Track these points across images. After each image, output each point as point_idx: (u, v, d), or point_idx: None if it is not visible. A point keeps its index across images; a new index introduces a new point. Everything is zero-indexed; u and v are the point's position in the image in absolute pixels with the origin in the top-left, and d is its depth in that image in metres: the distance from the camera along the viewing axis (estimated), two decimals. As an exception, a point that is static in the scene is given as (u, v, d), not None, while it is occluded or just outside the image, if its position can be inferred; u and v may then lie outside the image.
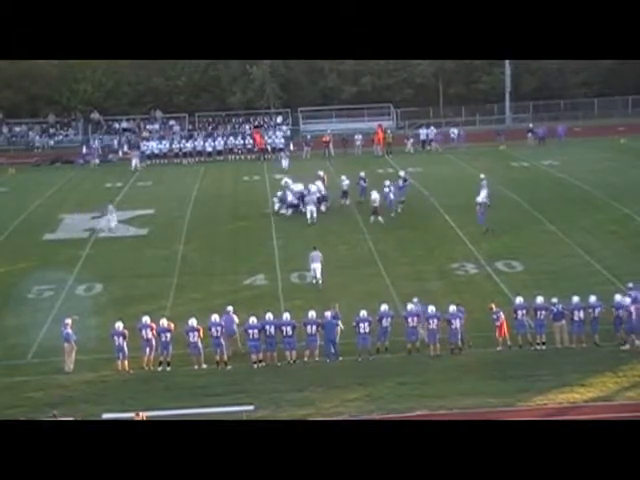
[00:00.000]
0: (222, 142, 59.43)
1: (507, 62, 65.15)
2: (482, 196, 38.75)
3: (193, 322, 24.26)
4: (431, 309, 24.63)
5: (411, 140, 58.69)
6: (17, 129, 66.25)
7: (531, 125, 60.70)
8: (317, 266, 30.14)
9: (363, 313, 24.48)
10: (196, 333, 24.04)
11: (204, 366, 23.95)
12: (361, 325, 24.26)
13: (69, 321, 24.52)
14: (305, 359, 24.10)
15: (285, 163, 52.89)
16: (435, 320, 24.32)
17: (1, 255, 35.61)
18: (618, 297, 24.86)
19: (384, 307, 24.82)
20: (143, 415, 18.93)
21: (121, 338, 23.89)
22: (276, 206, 40.81)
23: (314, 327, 24.33)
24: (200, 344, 24.02)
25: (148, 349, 24.08)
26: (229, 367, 23.91)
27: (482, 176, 42.11)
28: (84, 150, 60.19)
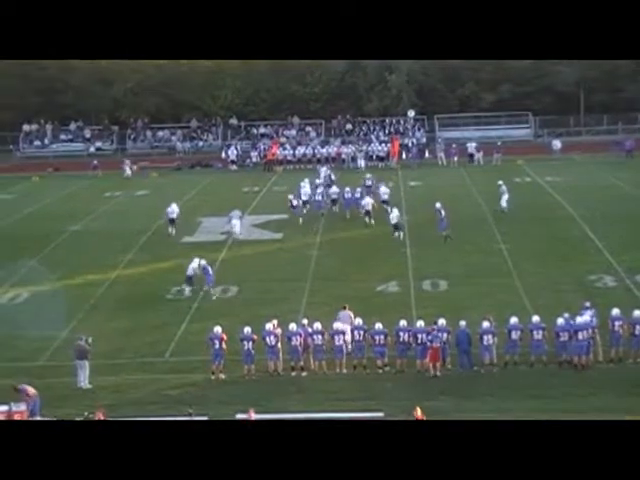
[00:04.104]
0: (354, 148, 60.10)
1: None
2: (503, 200, 40.58)
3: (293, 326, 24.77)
4: (535, 319, 24.32)
5: (442, 152, 57.93)
6: (160, 134, 68.31)
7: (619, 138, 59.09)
8: (345, 329, 24.89)
9: (486, 325, 24.23)
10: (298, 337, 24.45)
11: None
12: (485, 337, 24.03)
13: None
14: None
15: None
16: (540, 331, 24.00)
17: (142, 256, 36.80)
18: None
19: (514, 319, 24.44)
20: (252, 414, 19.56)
21: (250, 343, 24.24)
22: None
23: (406, 335, 24.30)
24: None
25: (273, 355, 24.33)
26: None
27: (500, 182, 42.56)
28: (223, 155, 61.64)
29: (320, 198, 43.54)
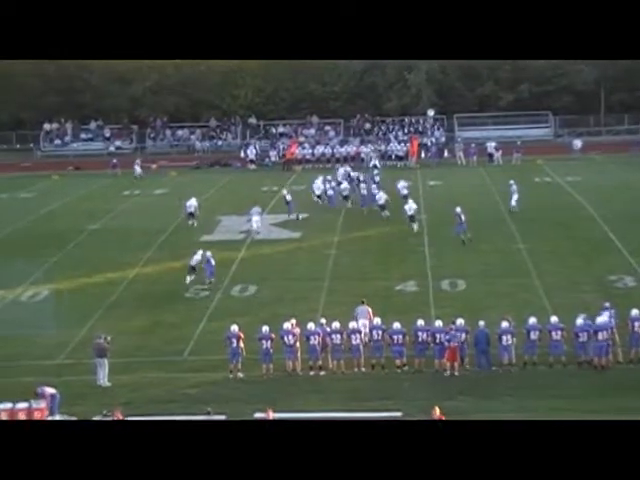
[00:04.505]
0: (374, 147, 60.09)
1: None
2: (514, 200, 40.96)
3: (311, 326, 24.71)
4: (554, 320, 24.20)
5: (461, 151, 57.84)
6: (179, 133, 68.44)
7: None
8: (365, 323, 25.29)
9: (505, 325, 24.13)
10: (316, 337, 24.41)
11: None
12: (503, 337, 23.93)
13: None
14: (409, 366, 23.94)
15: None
16: (559, 332, 23.87)
17: (161, 254, 36.88)
18: None
19: (533, 320, 24.32)
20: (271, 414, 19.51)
21: (268, 342, 24.24)
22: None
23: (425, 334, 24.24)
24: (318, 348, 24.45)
25: (291, 355, 24.32)
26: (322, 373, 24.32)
27: (511, 182, 42.60)
28: (242, 154, 61.72)
29: (332, 193, 44.59)
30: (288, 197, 43.19)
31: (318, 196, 44.92)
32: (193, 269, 32.38)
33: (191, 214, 41.52)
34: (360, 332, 24.45)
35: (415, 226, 38.54)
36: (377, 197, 41.93)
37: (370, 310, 25.97)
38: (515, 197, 41.33)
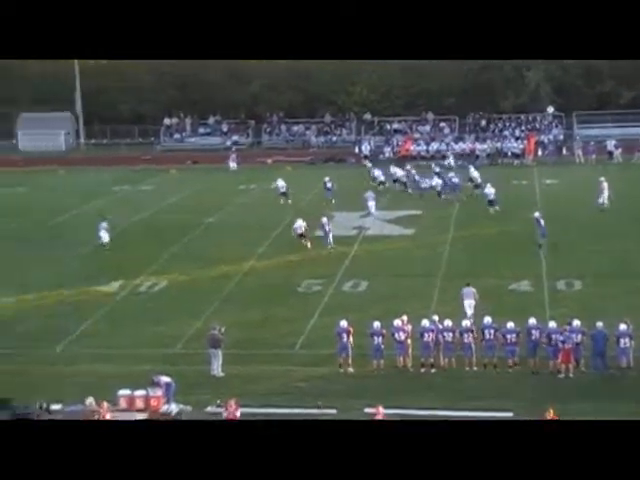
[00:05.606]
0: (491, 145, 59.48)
1: None
2: (603, 198, 40.55)
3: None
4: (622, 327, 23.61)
5: (580, 149, 56.81)
6: (295, 128, 69.15)
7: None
8: (470, 303, 27.25)
9: (623, 327, 23.57)
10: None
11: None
12: (621, 340, 23.40)
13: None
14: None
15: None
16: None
17: (276, 248, 37.32)
18: None
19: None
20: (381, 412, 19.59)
21: (380, 338, 24.31)
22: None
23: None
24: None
25: (402, 351, 24.32)
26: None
27: (602, 178, 41.82)
28: (356, 150, 61.88)
29: (418, 177, 47.81)
30: (329, 184, 45.78)
31: (381, 182, 48.34)
32: (301, 236, 36.19)
33: (284, 193, 45.68)
34: (472, 331, 24.30)
35: (492, 210, 41.14)
36: (422, 185, 46.43)
37: (475, 291, 27.13)
38: (605, 194, 40.48)
